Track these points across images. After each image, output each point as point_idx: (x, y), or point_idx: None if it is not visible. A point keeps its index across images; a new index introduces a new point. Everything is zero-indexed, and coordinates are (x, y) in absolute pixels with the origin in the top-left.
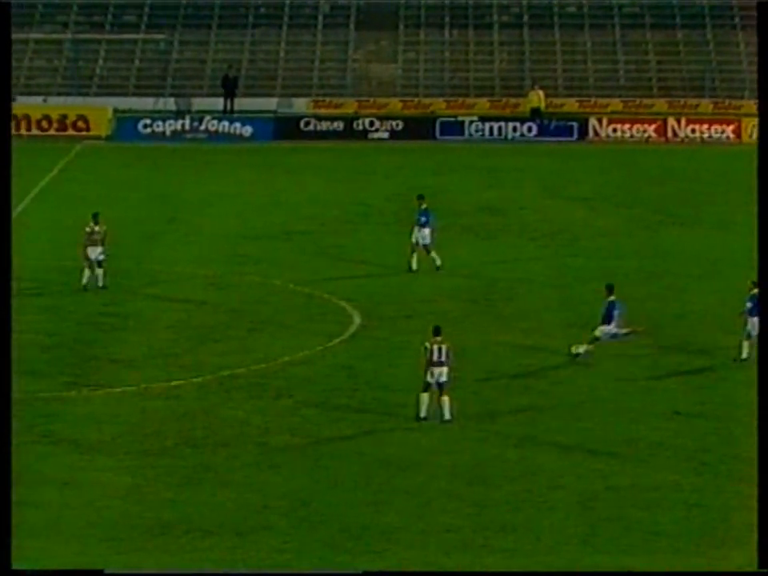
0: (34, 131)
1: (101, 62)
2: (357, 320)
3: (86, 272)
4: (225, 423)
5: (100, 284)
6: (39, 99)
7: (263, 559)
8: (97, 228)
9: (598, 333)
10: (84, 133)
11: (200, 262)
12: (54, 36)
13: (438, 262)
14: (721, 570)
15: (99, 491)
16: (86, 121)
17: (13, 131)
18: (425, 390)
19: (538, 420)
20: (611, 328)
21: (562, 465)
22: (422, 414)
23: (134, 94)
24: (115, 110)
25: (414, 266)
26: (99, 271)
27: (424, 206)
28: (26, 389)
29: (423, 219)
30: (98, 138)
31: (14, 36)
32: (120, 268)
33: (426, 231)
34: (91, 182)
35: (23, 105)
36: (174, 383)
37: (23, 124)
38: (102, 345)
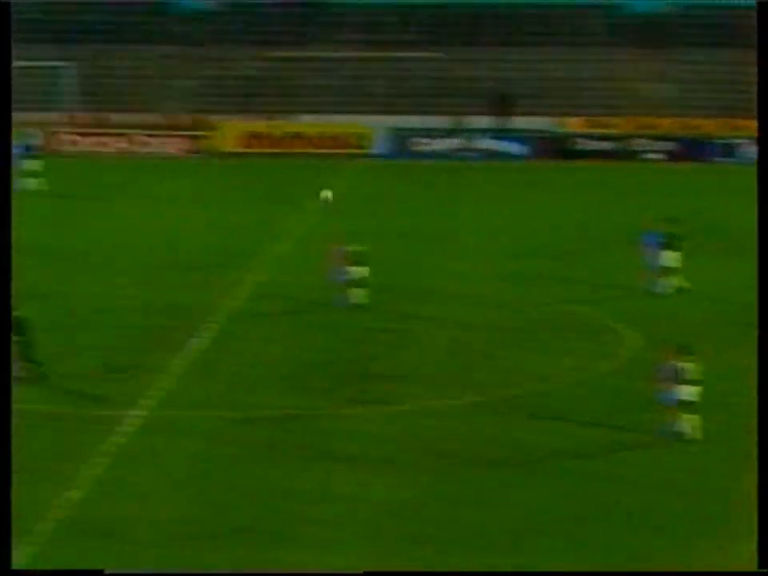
0: (311, 149)
1: (377, 80)
2: (631, 341)
3: (350, 290)
4: (501, 443)
5: (361, 302)
6: (317, 117)
7: None
8: (352, 248)
9: None
10: (359, 150)
11: (471, 280)
12: (333, 54)
13: (661, 288)
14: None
15: (377, 508)
16: (361, 138)
17: (289, 149)
18: (681, 409)
19: None
20: None
21: None
22: (682, 434)
23: (410, 112)
24: (390, 128)
25: (681, 284)
26: (361, 290)
27: (670, 229)
28: (305, 406)
29: (662, 241)
30: (372, 155)
31: (293, 54)
32: (390, 285)
33: (669, 253)
34: (365, 198)
35: (301, 123)
36: (451, 402)
37: (300, 142)
38: (377, 362)
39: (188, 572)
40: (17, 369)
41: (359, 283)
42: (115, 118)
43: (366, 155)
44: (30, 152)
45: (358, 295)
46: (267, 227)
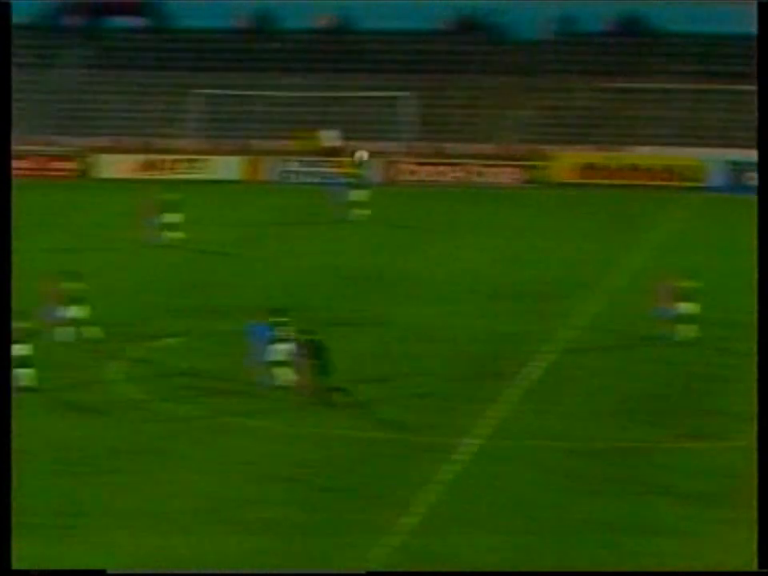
0: (646, 181)
1: (714, 112)
2: None
3: (679, 326)
4: None
5: (692, 337)
6: (653, 149)
7: None
8: (681, 284)
9: None
10: (694, 183)
11: None
12: (669, 85)
13: None
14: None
15: (716, 545)
16: (696, 171)
17: (624, 181)
18: None
19: None
20: None
21: None
22: None
23: (747, 146)
24: (726, 161)
25: None
26: (690, 326)
27: None
28: (639, 439)
29: None
30: (708, 189)
31: (629, 85)
32: (723, 320)
33: None
34: (700, 233)
35: (637, 155)
36: None
37: (635, 174)
38: (710, 397)
39: (188, 572)
40: (315, 394)
41: (688, 319)
42: (451, 147)
43: (701, 189)
44: (357, 182)
45: (687, 331)
46: (601, 259)
